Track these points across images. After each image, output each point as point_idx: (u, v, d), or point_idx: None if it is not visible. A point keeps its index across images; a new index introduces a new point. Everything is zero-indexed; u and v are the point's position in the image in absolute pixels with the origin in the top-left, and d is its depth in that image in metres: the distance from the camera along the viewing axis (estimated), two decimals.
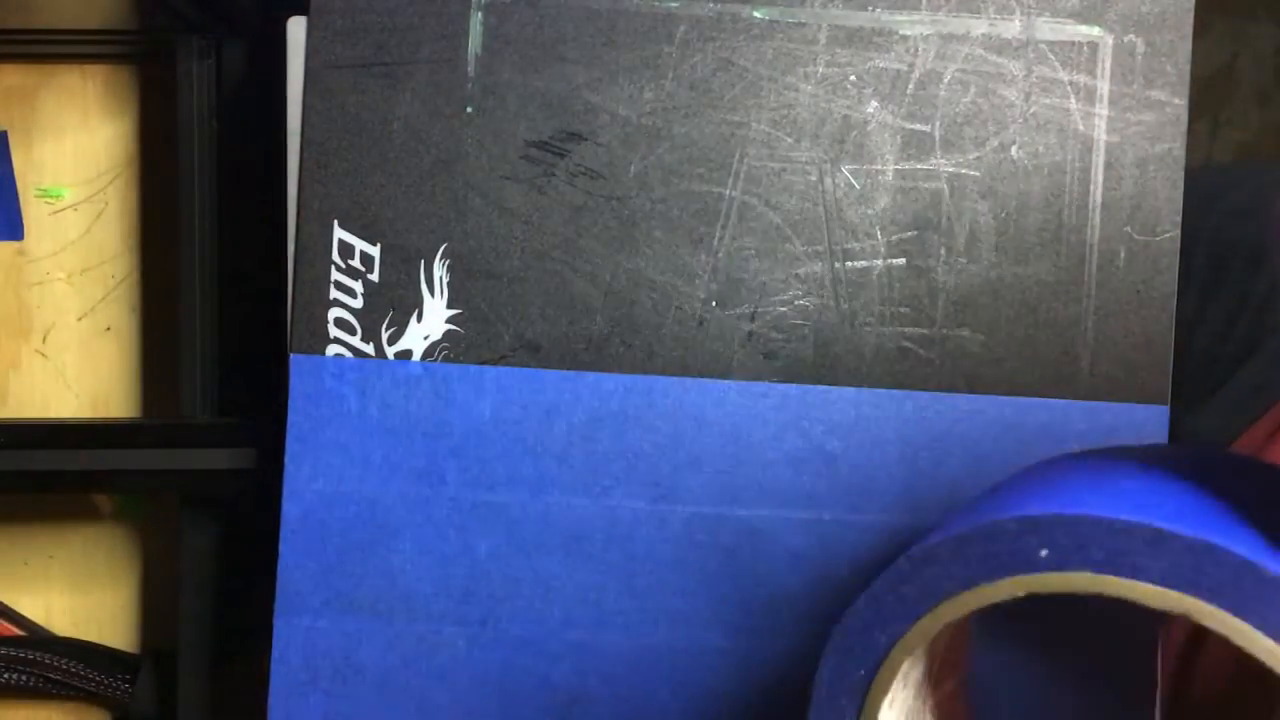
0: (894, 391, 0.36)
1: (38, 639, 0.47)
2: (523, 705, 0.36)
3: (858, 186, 0.36)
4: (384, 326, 0.37)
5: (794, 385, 0.36)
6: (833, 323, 0.36)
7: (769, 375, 0.36)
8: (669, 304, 0.37)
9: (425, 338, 0.36)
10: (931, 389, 0.36)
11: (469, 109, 0.37)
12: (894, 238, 0.36)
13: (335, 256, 0.37)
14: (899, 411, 0.36)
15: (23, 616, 0.48)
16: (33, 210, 0.48)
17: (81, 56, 0.48)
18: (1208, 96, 0.62)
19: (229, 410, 0.44)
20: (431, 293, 0.36)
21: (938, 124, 0.36)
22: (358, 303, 0.37)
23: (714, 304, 0.36)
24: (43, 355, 0.48)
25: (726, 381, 0.36)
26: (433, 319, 0.37)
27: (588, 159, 0.37)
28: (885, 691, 0.20)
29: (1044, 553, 0.17)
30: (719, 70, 0.36)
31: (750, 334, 0.36)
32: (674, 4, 0.36)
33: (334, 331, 0.37)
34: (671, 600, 0.36)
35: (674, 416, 0.36)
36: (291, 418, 0.37)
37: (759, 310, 0.36)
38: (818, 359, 0.36)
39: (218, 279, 0.44)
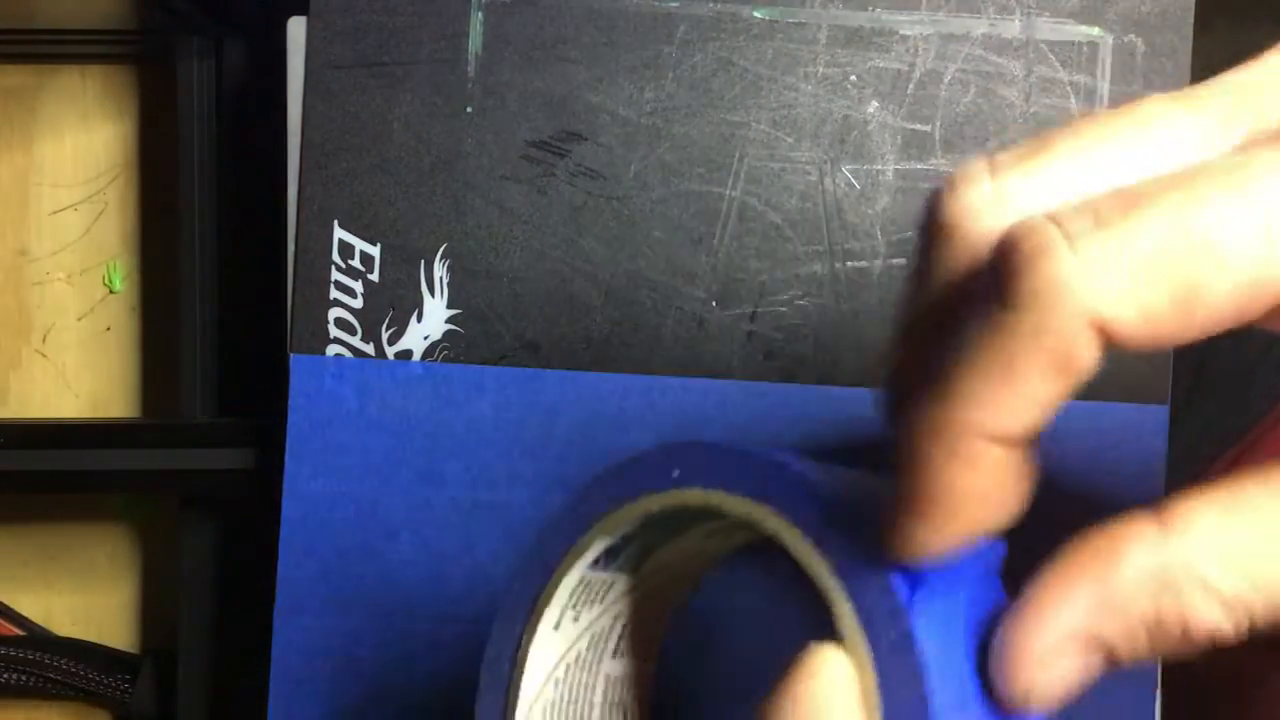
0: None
1: (38, 639, 0.47)
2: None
3: (858, 186, 0.36)
4: (384, 326, 0.36)
5: (794, 385, 0.36)
6: (833, 322, 0.36)
7: (769, 375, 0.36)
8: (669, 304, 0.36)
9: (425, 338, 0.36)
10: None
11: (469, 109, 0.37)
12: (894, 238, 0.36)
13: (335, 256, 0.37)
14: None
15: (23, 616, 0.48)
16: (33, 210, 0.48)
17: (81, 56, 0.48)
18: None
19: (229, 410, 0.44)
20: (432, 293, 0.36)
21: (938, 124, 0.36)
22: (358, 303, 0.37)
23: (714, 304, 0.36)
24: (43, 355, 0.48)
25: (727, 381, 0.36)
26: (433, 319, 0.36)
27: (588, 159, 0.36)
28: (545, 607, 0.22)
29: (675, 473, 0.20)
30: (719, 70, 0.36)
31: (750, 334, 0.36)
32: (674, 4, 0.36)
33: (334, 331, 0.37)
34: None
35: (674, 416, 0.36)
36: (291, 417, 0.36)
37: (759, 310, 0.36)
38: (818, 358, 0.36)
39: (218, 279, 0.44)
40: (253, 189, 0.44)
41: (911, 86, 0.36)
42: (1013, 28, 0.36)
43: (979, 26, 0.36)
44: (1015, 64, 0.36)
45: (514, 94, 0.37)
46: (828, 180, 0.36)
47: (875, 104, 0.36)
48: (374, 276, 0.37)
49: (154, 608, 0.49)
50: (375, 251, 0.37)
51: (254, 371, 0.43)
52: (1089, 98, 0.36)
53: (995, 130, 0.36)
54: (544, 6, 0.36)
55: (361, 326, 0.37)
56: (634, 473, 0.21)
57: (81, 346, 0.48)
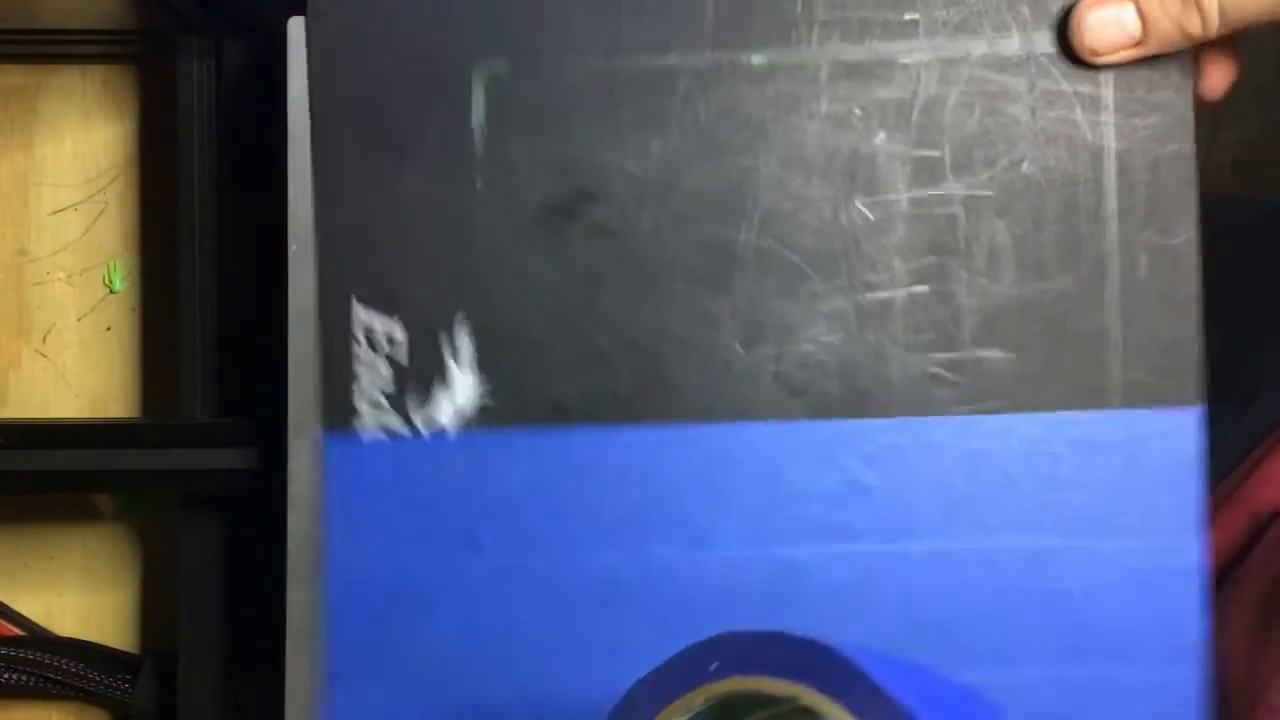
0: (925, 419, 0.36)
1: (38, 639, 0.47)
2: None
3: (873, 218, 0.36)
4: (412, 399, 0.37)
5: (824, 420, 0.36)
6: (858, 355, 0.36)
7: (798, 413, 0.36)
8: (694, 352, 0.37)
9: (454, 407, 0.37)
10: (962, 412, 0.36)
11: (477, 183, 0.37)
12: (913, 265, 0.36)
13: (357, 333, 0.37)
14: (931, 438, 0.36)
15: (23, 616, 0.48)
16: (33, 210, 0.48)
17: (81, 56, 0.48)
18: None
19: (229, 410, 0.44)
20: (457, 363, 0.36)
21: (947, 148, 0.36)
22: (385, 377, 0.37)
23: (739, 347, 0.37)
24: (43, 355, 0.48)
25: (756, 423, 0.36)
26: (460, 388, 0.37)
27: (600, 218, 0.37)
28: None
29: (714, 666, 0.22)
30: (723, 118, 0.37)
31: (777, 374, 0.37)
32: (672, 59, 0.36)
33: (362, 407, 0.37)
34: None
35: (705, 462, 0.36)
36: (328, 495, 0.37)
37: (784, 350, 0.37)
38: (846, 392, 0.37)
39: (218, 279, 0.44)
40: (253, 189, 0.44)
41: (916, 114, 0.36)
42: (1012, 45, 0.36)
43: (978, 47, 0.36)
44: (1018, 81, 0.36)
45: (521, 161, 0.37)
46: (842, 215, 0.36)
47: (883, 135, 0.36)
48: (398, 350, 0.37)
49: (154, 608, 0.49)
50: (396, 326, 0.37)
51: (254, 371, 0.43)
52: (1094, 106, 0.36)
53: (1005, 149, 0.36)
54: (544, 74, 0.36)
55: (390, 401, 0.37)
56: (674, 671, 0.23)
57: (81, 346, 0.48)
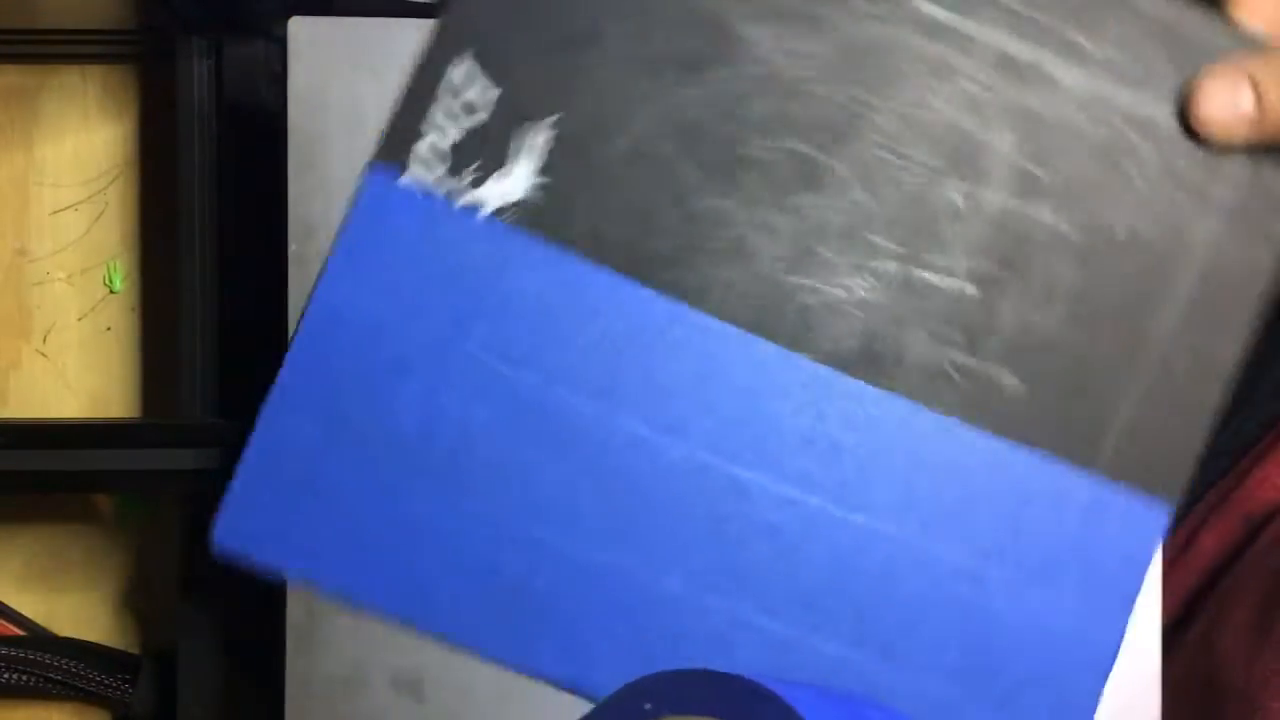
0: (920, 406, 0.36)
1: (38, 639, 0.47)
2: (461, 578, 0.36)
3: (960, 205, 0.37)
4: (467, 171, 0.36)
5: (829, 369, 0.36)
6: (886, 322, 0.37)
7: (809, 351, 0.36)
8: (741, 253, 0.37)
9: (504, 195, 0.36)
10: (956, 416, 0.36)
11: (624, 6, 0.37)
12: (975, 265, 0.37)
13: (455, 81, 0.36)
14: (918, 426, 0.36)
15: (23, 616, 0.48)
16: (33, 210, 0.48)
17: (81, 56, 0.48)
18: None
19: (229, 410, 0.44)
20: (525, 156, 0.36)
21: (1058, 176, 0.36)
22: (455, 134, 0.36)
23: (782, 265, 0.36)
24: (43, 355, 0.48)
25: (767, 343, 0.36)
26: (515, 181, 0.36)
27: (718, 84, 0.36)
28: None
29: (647, 706, 0.22)
30: (876, 48, 0.37)
31: (806, 306, 0.36)
32: None
33: (419, 151, 0.36)
34: (639, 528, 0.36)
35: (705, 357, 0.36)
36: (347, 226, 0.36)
37: (821, 286, 0.37)
38: (861, 352, 0.37)
39: (218, 279, 0.44)
40: (252, 189, 0.44)
41: (1046, 131, 0.36)
42: (1162, 112, 0.36)
43: (1129, 99, 0.36)
44: (1149, 146, 0.36)
45: (668, 4, 0.37)
46: (935, 189, 0.36)
47: (1008, 136, 0.37)
48: (481, 115, 0.36)
49: (154, 608, 0.49)
50: (491, 95, 0.36)
51: (254, 371, 0.43)
52: (1211, 209, 0.36)
53: (1109, 203, 0.36)
54: None
55: (450, 160, 0.36)
56: (609, 713, 0.23)
57: (81, 346, 0.48)
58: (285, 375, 0.36)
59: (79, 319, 0.48)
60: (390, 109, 0.36)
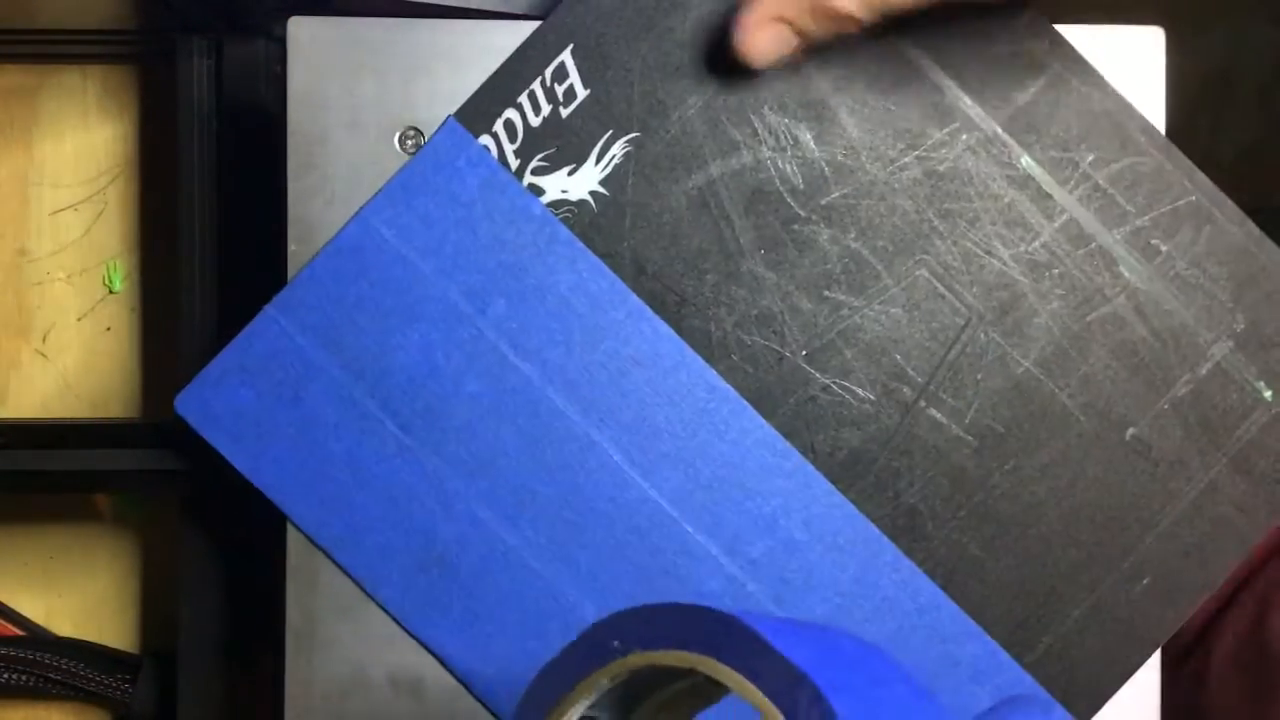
0: (883, 536, 0.37)
1: (38, 639, 0.47)
2: (395, 530, 0.37)
3: (987, 356, 0.37)
4: (542, 154, 0.37)
5: (812, 467, 0.37)
6: (880, 444, 0.37)
7: (801, 443, 0.37)
8: (767, 323, 0.37)
9: (563, 191, 0.37)
10: (914, 558, 0.37)
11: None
12: (985, 425, 0.37)
13: (547, 71, 0.37)
14: (874, 555, 0.37)
15: (23, 616, 0.48)
16: (33, 210, 0.48)
17: (81, 56, 0.48)
18: (1208, 96, 0.62)
19: None
20: (596, 161, 0.37)
21: (1090, 361, 0.37)
22: (535, 121, 0.37)
23: (804, 354, 0.37)
24: (43, 355, 0.48)
25: (764, 423, 0.37)
26: (581, 182, 0.37)
27: (802, 160, 0.37)
28: None
29: (615, 643, 0.22)
30: (962, 176, 0.37)
31: (812, 399, 0.37)
32: (966, 102, 0.37)
33: (497, 127, 0.37)
34: (580, 549, 0.37)
35: (703, 415, 0.37)
36: (413, 163, 0.37)
37: (833, 386, 0.37)
38: (847, 465, 0.37)
39: (218, 279, 0.44)
40: (252, 189, 0.44)
41: (1094, 317, 0.37)
42: (1213, 344, 0.38)
43: (1181, 316, 0.38)
44: (1186, 371, 0.38)
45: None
46: (968, 332, 0.37)
47: (1056, 304, 0.37)
48: (563, 111, 0.37)
49: (154, 608, 0.49)
50: (582, 94, 0.37)
51: None
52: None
53: (1128, 405, 0.37)
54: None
55: (521, 140, 0.37)
56: (577, 652, 0.23)
57: (81, 346, 0.48)
58: (300, 283, 0.37)
59: (79, 319, 0.48)
60: (490, 76, 0.37)
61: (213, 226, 0.44)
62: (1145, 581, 0.37)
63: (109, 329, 0.48)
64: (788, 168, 0.37)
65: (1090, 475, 0.37)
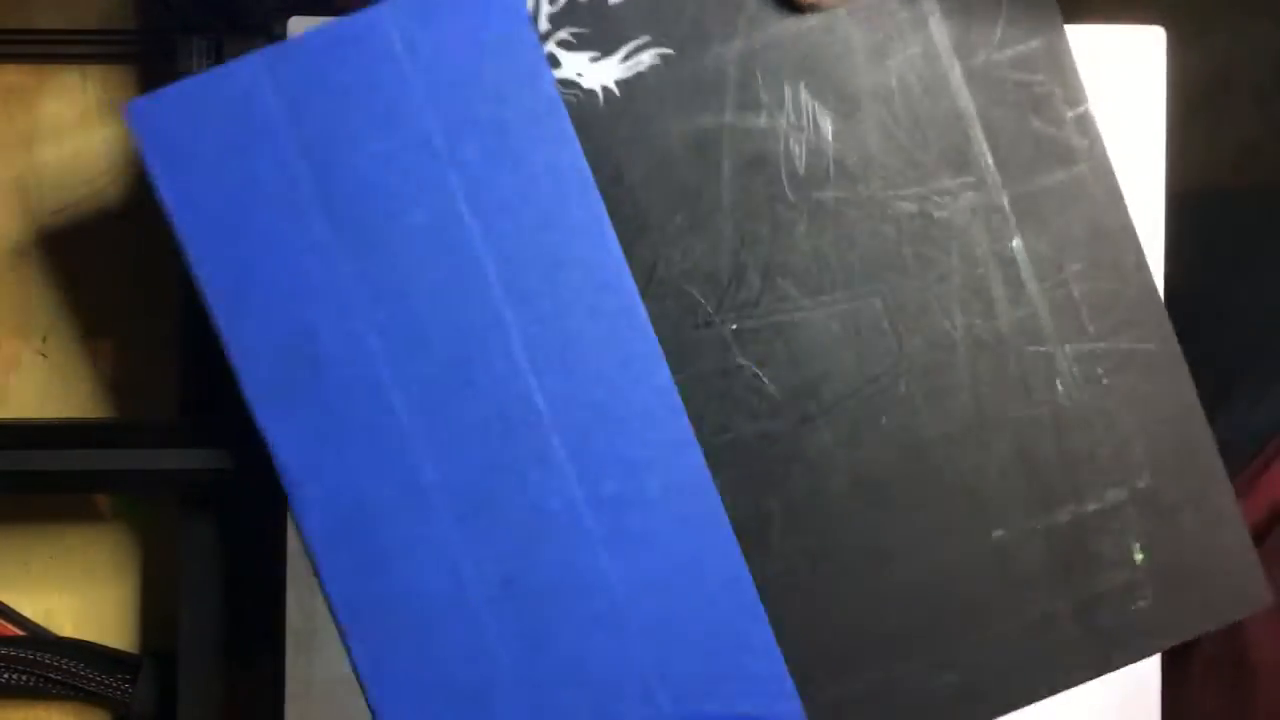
0: (731, 531, 0.36)
1: (38, 639, 0.47)
2: (279, 312, 0.36)
3: (900, 406, 0.38)
4: (570, 29, 0.37)
5: (694, 437, 0.36)
6: (766, 443, 0.38)
7: (694, 411, 0.36)
8: (714, 287, 0.37)
9: (579, 74, 0.37)
10: (750, 563, 0.36)
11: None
12: (869, 467, 0.38)
13: None
14: (714, 545, 0.36)
15: (23, 617, 0.48)
16: (33, 210, 0.48)
17: (81, 56, 0.48)
18: (1208, 96, 0.63)
19: (229, 410, 0.44)
20: (624, 59, 0.37)
21: (987, 478, 0.38)
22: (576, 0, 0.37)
23: (733, 328, 0.37)
24: (43, 355, 0.48)
25: (669, 374, 0.36)
26: (599, 73, 0.37)
27: (800, 153, 0.37)
28: None
29: None
30: (953, 230, 0.38)
31: (723, 372, 0.37)
32: (988, 169, 0.38)
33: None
34: (441, 410, 0.36)
35: (616, 342, 0.36)
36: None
37: (747, 368, 0.37)
38: (728, 447, 0.38)
39: None
40: None
41: (1013, 415, 0.38)
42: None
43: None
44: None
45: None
46: (893, 374, 0.37)
47: (985, 388, 0.38)
48: (614, 1, 0.37)
49: (154, 608, 0.49)
50: None
51: None
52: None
53: (996, 500, 0.38)
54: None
55: (561, 6, 0.37)
56: None
57: (82, 346, 0.48)
58: (293, 45, 0.35)
59: (79, 319, 0.48)
60: None
61: None
62: (950, 677, 0.37)
63: (109, 329, 0.48)
64: (796, 149, 0.37)
65: (944, 556, 0.37)
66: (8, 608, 0.48)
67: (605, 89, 0.37)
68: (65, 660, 0.46)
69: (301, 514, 0.35)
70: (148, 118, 0.36)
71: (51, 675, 0.45)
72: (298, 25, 0.38)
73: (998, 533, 0.37)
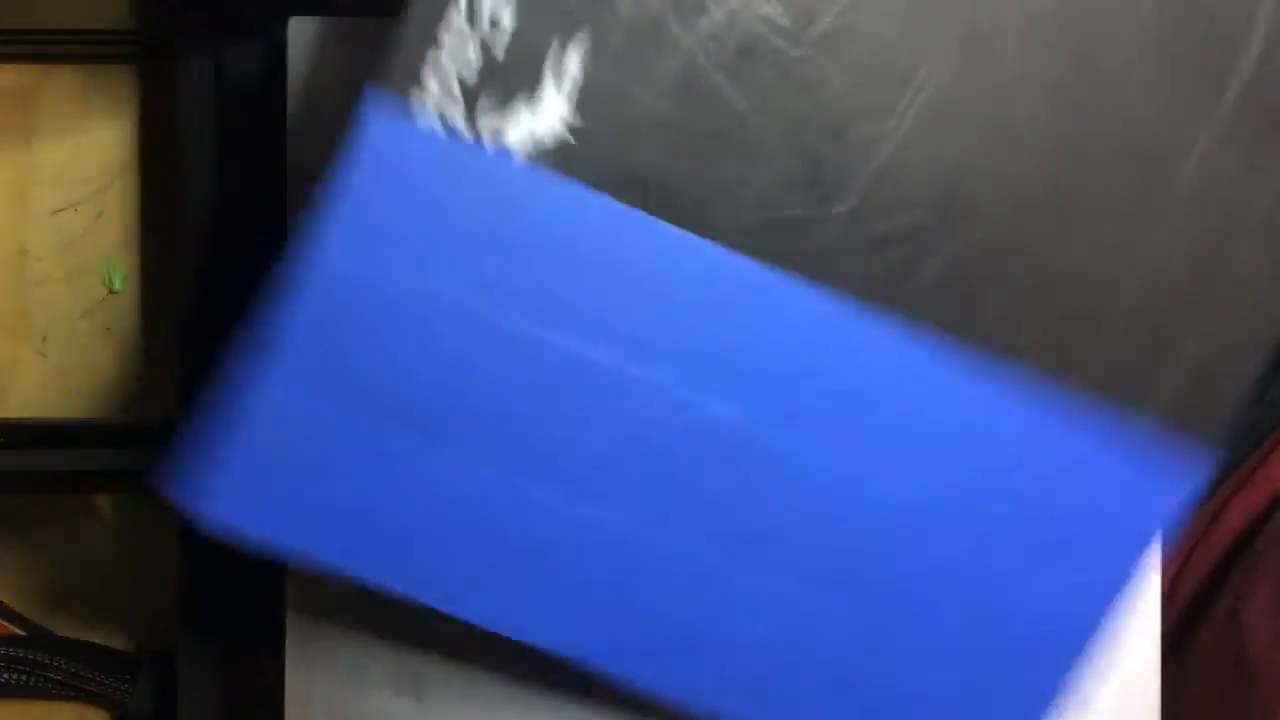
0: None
1: (38, 639, 0.47)
2: (473, 548, 0.32)
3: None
4: (488, 100, 0.31)
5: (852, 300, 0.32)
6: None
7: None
8: (798, 188, 0.32)
9: (531, 131, 0.31)
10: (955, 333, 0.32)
11: None
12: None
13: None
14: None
15: (24, 617, 0.48)
16: (32, 210, 0.48)
17: (81, 56, 0.48)
18: None
19: None
20: (555, 82, 0.31)
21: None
22: (469, 62, 0.31)
23: (847, 208, 0.32)
24: (43, 355, 0.48)
25: (818, 288, 0.32)
26: (546, 112, 0.31)
27: (772, 9, 0.31)
28: None
29: None
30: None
31: (852, 211, 0.32)
32: None
33: (430, 84, 0.31)
34: (636, 499, 0.32)
35: (751, 325, 0.32)
36: (350, 171, 0.30)
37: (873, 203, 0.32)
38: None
39: (217, 279, 0.44)
40: (252, 189, 0.44)
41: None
42: None
43: None
44: None
45: None
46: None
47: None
48: (497, 38, 0.31)
49: (154, 608, 0.49)
50: (509, 9, 0.30)
51: None
52: None
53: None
54: None
55: (463, 89, 0.31)
56: None
57: (81, 346, 0.48)
58: (284, 342, 0.32)
59: (79, 319, 0.48)
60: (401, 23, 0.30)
61: (213, 226, 0.44)
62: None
63: (109, 329, 0.48)
64: (766, 8, 0.32)
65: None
66: (8, 608, 0.48)
67: (567, 124, 0.31)
68: (65, 660, 0.46)
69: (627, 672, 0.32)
70: (227, 507, 0.32)
71: (51, 675, 0.45)
72: (297, 25, 0.38)
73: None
